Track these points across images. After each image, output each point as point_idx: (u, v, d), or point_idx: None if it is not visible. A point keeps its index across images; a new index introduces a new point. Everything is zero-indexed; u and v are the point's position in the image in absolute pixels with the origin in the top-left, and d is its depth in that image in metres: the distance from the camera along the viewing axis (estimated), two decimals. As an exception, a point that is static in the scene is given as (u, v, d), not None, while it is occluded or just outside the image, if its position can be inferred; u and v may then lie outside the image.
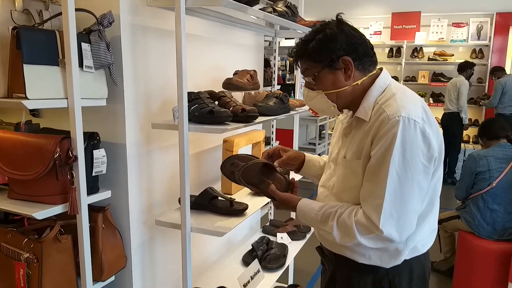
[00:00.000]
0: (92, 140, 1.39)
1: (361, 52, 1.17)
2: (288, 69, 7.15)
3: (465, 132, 6.06)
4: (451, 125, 5.74)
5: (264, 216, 2.97)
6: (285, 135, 3.82)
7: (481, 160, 2.83)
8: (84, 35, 1.34)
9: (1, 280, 1.41)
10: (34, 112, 1.67)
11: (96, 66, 1.37)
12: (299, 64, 1.25)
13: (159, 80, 1.66)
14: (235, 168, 1.44)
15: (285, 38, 4.98)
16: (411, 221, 1.11)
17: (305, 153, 1.55)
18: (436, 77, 6.88)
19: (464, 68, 5.73)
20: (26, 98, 1.19)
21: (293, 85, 5.58)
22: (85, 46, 1.33)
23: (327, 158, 1.43)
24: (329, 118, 6.63)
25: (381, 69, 1.23)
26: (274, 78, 2.72)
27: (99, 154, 1.41)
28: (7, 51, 1.25)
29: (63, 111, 1.29)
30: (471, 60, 6.11)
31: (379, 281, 1.21)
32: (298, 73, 4.77)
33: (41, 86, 1.23)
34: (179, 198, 1.53)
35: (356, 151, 1.18)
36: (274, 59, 2.83)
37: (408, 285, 1.22)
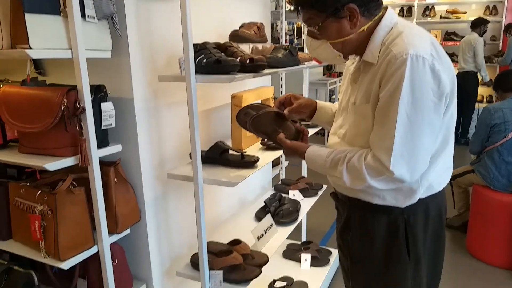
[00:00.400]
0: (99, 93, 1.37)
1: None
2: (295, 33, 6.99)
3: (479, 92, 5.92)
4: (465, 85, 5.60)
5: (275, 176, 2.97)
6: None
7: (496, 112, 2.77)
8: (84, -17, 1.30)
9: (19, 235, 1.44)
10: (40, 70, 1.66)
11: (98, 16, 1.34)
12: (300, 12, 1.19)
13: (164, 33, 1.63)
14: (247, 117, 1.42)
15: None
16: (423, 160, 1.09)
17: (317, 101, 1.51)
18: (449, 36, 6.67)
19: (478, 24, 5.54)
20: (29, 47, 1.17)
21: (302, 49, 5.47)
22: (86, -6, 1.29)
23: (338, 107, 1.40)
24: (339, 83, 6.52)
25: (386, 8, 1.17)
26: (282, 35, 2.66)
27: (107, 107, 1.40)
28: (8, 1, 1.22)
29: (69, 67, 1.27)
30: (484, 17, 5.89)
31: (394, 221, 1.20)
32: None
33: (44, 35, 1.21)
34: (190, 153, 1.52)
35: (365, 95, 1.15)
36: (281, 22, 2.76)
37: (424, 224, 1.21)
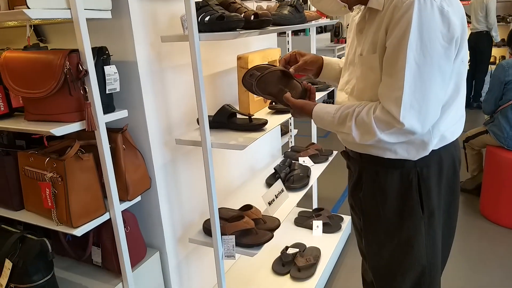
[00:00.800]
0: (101, 55, 1.33)
1: None
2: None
3: (492, 53, 5.75)
4: (479, 45, 5.43)
5: (285, 144, 2.94)
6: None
7: (510, 68, 2.68)
8: None
9: (30, 203, 1.44)
10: (42, 38, 1.62)
11: (96, -26, 1.28)
12: None
13: (164, -8, 1.56)
14: (253, 79, 1.37)
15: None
16: (434, 109, 1.04)
17: (324, 56, 1.46)
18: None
19: None
20: (27, 7, 1.12)
21: (306, 1, 5.31)
22: (81, -49, 1.23)
23: (344, 62, 1.34)
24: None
25: None
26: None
27: (111, 70, 1.36)
28: (1, -40, 1.17)
29: (70, 33, 1.22)
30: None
31: (407, 174, 1.16)
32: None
33: (41, -5, 1.15)
34: (197, 118, 1.48)
35: (372, 45, 1.09)
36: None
37: (438, 176, 1.17)
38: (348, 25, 1.30)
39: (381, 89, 1.07)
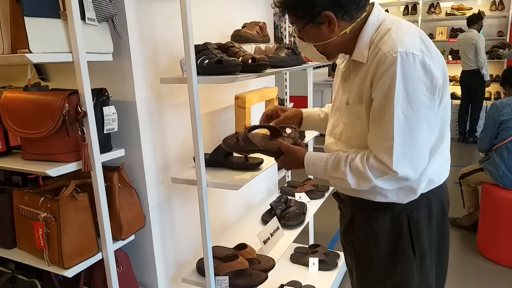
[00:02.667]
0: (101, 96, 1.35)
1: (343, 2, 1.08)
2: (299, 34, 6.95)
3: (486, 89, 5.84)
4: (472, 83, 5.53)
5: (281, 179, 2.94)
6: (299, 102, 3.74)
7: (504, 108, 2.72)
8: (83, -14, 1.29)
9: (23, 243, 1.43)
10: (43, 76, 1.65)
11: (99, 19, 1.32)
12: (286, 14, 1.19)
13: (165, 34, 1.61)
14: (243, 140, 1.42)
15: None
16: (424, 156, 1.09)
17: (303, 109, 1.53)
18: (455, 32, 6.60)
19: (475, 20, 5.45)
20: (29, 52, 1.16)
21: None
22: (85, -3, 1.28)
23: (331, 106, 1.37)
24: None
25: (373, 4, 1.15)
26: (285, 35, 2.63)
27: (109, 111, 1.38)
28: (8, 6, 1.21)
29: (72, 72, 1.25)
30: (491, 13, 5.82)
31: (397, 217, 1.18)
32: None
33: (44, 39, 1.19)
34: (194, 156, 1.50)
35: (357, 95, 1.13)
36: (285, 23, 2.74)
37: (427, 219, 1.20)
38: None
39: (371, 140, 1.11)
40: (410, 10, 6.94)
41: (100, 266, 1.42)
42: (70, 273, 1.28)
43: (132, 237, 1.52)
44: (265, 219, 2.17)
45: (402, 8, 7.02)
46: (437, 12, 6.78)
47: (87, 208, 1.36)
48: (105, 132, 1.38)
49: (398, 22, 1.11)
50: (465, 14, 6.53)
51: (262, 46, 1.96)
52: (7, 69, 1.84)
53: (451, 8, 6.67)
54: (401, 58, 1.00)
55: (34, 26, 1.17)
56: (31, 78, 1.57)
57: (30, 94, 1.33)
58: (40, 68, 1.68)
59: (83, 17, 1.26)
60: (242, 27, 1.86)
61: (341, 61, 1.29)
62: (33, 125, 1.27)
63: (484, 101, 5.77)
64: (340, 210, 1.40)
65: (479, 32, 5.46)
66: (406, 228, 1.18)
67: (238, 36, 1.74)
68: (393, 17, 1.14)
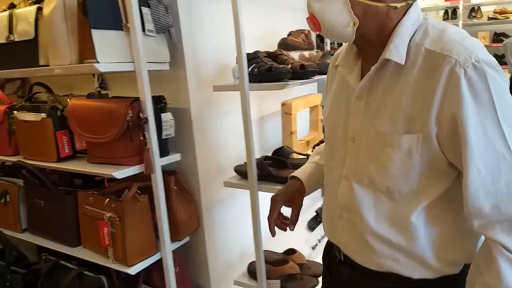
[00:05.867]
0: (159, 104, 1.43)
1: None
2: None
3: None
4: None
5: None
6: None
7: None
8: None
9: (88, 241, 1.51)
10: (102, 85, 1.75)
11: (157, 30, 1.40)
12: None
13: (216, 43, 1.68)
14: None
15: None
16: None
17: (300, 177, 1.15)
18: (498, 37, 6.38)
19: None
20: (97, 62, 1.25)
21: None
22: (145, 10, 1.37)
23: (325, 139, 1.03)
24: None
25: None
26: (326, 43, 2.66)
27: (167, 117, 1.46)
28: (76, 19, 1.31)
29: (127, 80, 1.34)
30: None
31: None
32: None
33: (109, 50, 1.28)
34: (245, 162, 1.54)
35: (404, 118, 0.78)
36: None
37: None
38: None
39: (478, 187, 0.73)
40: (450, 15, 6.77)
41: (158, 265, 1.48)
42: (133, 270, 1.35)
43: (188, 239, 1.58)
44: (311, 226, 2.18)
45: (441, 13, 6.87)
46: (478, 17, 6.58)
47: (148, 209, 1.43)
48: (163, 137, 1.45)
49: (445, 23, 0.84)
50: (509, 18, 6.31)
51: (306, 53, 1.99)
52: (67, 78, 1.97)
53: (493, 12, 6.46)
54: (488, 69, 0.72)
55: (100, 38, 1.27)
56: (91, 86, 1.68)
57: (95, 102, 1.42)
58: (99, 77, 1.79)
59: (143, 28, 1.34)
60: (288, 35, 1.90)
61: (346, 71, 0.91)
62: (99, 131, 1.36)
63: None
64: (329, 275, 1.07)
65: None
66: None
67: (285, 44, 1.78)
68: (432, 18, 0.87)
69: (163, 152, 1.47)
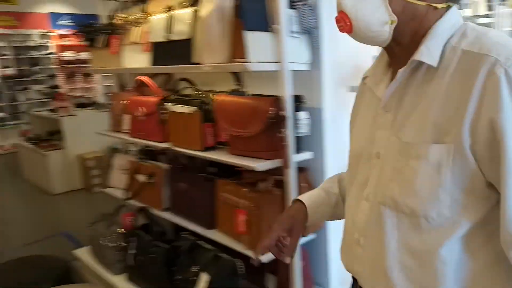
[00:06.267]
0: (297, 102, 1.48)
1: None
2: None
3: None
4: None
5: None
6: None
7: None
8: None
9: (223, 226, 1.65)
10: (239, 83, 1.87)
11: (301, 31, 1.46)
12: None
13: (354, 44, 1.67)
14: None
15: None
16: None
17: (305, 202, 1.00)
18: None
19: None
20: (248, 61, 1.34)
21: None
22: (291, 12, 1.43)
23: (348, 165, 0.97)
24: None
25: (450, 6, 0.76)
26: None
27: (303, 116, 1.51)
28: (229, 21, 1.42)
29: (262, 79, 1.40)
30: None
31: None
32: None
33: (258, 50, 1.38)
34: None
35: (434, 128, 0.68)
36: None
37: None
38: None
39: None
40: None
41: (284, 257, 1.54)
42: (265, 258, 1.43)
43: (313, 236, 1.61)
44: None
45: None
46: None
47: (280, 201, 1.50)
48: (298, 135, 1.50)
49: (487, 28, 0.75)
50: None
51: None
52: (207, 75, 2.14)
53: None
54: None
55: (252, 39, 1.36)
56: (227, 84, 1.80)
57: (240, 98, 1.53)
58: (237, 75, 1.91)
59: (288, 30, 1.40)
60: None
61: (374, 82, 0.84)
62: (243, 125, 1.46)
63: None
64: None
65: None
66: None
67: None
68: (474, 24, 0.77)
69: (297, 149, 1.52)
